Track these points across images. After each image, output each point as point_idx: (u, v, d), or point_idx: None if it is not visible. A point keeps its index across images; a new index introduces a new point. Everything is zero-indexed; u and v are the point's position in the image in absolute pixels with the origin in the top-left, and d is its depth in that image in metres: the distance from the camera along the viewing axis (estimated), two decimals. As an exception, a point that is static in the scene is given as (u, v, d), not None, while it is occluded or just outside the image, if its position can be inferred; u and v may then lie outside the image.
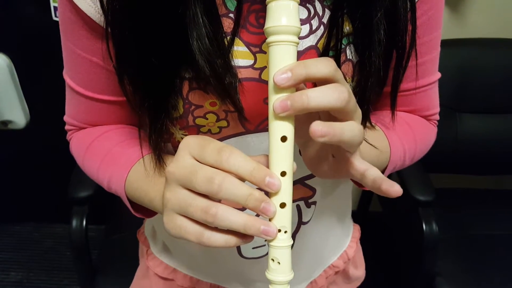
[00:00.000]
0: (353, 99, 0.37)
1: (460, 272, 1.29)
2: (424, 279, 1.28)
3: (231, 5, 0.46)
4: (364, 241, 0.86)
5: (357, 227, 0.83)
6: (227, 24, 0.46)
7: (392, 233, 1.69)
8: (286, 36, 0.37)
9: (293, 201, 0.59)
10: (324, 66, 0.36)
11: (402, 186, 1.21)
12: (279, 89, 0.37)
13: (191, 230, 0.39)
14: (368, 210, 1.89)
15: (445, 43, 1.41)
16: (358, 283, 0.85)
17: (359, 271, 0.83)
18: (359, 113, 0.39)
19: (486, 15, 1.55)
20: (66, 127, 0.64)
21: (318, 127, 0.34)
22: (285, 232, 0.39)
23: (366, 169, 0.41)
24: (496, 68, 1.44)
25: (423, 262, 1.24)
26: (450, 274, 1.28)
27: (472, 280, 1.26)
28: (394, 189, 0.39)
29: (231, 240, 0.39)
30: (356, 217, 0.83)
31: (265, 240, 0.40)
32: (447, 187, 1.62)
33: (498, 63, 1.44)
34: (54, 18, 1.40)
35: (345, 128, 0.36)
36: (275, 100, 0.36)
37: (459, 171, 1.63)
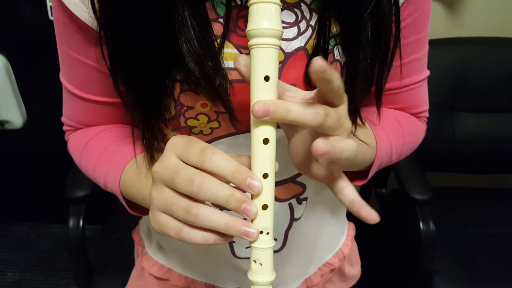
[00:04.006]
0: (332, 120, 0.38)
1: (457, 271, 1.29)
2: (421, 278, 1.28)
3: (221, 11, 0.47)
4: (361, 240, 0.86)
5: (352, 225, 0.83)
6: (217, 28, 0.46)
7: (389, 232, 1.69)
8: (268, 39, 0.37)
9: (286, 199, 0.60)
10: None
11: (399, 185, 1.20)
12: (261, 91, 0.37)
13: (172, 226, 0.40)
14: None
15: (442, 42, 1.44)
16: (354, 281, 0.85)
17: (355, 269, 0.83)
18: (345, 127, 0.39)
19: (483, 14, 1.55)
20: (64, 127, 0.65)
21: (321, 145, 0.36)
22: (267, 233, 0.40)
23: (344, 187, 0.43)
24: (494, 67, 1.44)
25: (420, 260, 1.24)
26: (447, 272, 1.28)
27: (469, 278, 1.27)
28: (373, 216, 0.41)
29: (210, 237, 0.39)
30: (354, 216, 0.83)
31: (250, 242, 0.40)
32: (445, 186, 1.62)
33: (495, 62, 1.44)
34: (51, 18, 1.40)
35: (344, 147, 0.38)
36: (256, 102, 0.37)
37: (457, 170, 1.63)
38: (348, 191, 0.42)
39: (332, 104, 0.39)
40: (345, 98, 0.40)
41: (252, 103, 0.38)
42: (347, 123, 0.40)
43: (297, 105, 0.37)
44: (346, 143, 0.38)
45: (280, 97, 0.41)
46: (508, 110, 1.49)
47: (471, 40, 1.49)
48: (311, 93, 0.41)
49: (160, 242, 0.73)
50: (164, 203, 0.40)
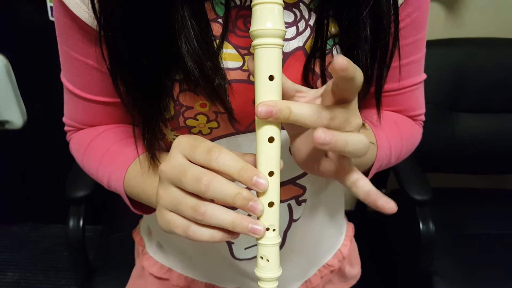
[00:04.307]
0: (338, 121, 0.38)
1: (456, 271, 1.29)
2: (420, 278, 1.28)
3: (220, 11, 0.47)
4: (361, 240, 0.87)
5: (351, 225, 0.83)
6: (216, 29, 0.47)
7: (389, 233, 1.70)
8: (271, 39, 0.37)
9: (285, 200, 0.60)
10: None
11: (399, 186, 1.20)
12: (265, 91, 0.38)
13: (179, 224, 0.40)
14: (366, 209, 1.89)
15: (442, 43, 1.44)
16: (354, 282, 0.85)
17: (354, 269, 0.83)
18: (354, 124, 0.39)
19: (482, 15, 1.55)
20: (65, 128, 0.65)
21: (321, 135, 0.35)
22: (273, 230, 0.40)
23: (358, 179, 0.42)
24: (493, 67, 1.44)
25: (420, 261, 1.24)
26: (447, 273, 1.28)
27: (469, 279, 1.27)
28: (390, 205, 0.40)
29: (217, 235, 0.40)
30: (354, 216, 0.83)
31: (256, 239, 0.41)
32: (444, 186, 1.62)
33: (494, 63, 1.45)
34: (51, 18, 1.40)
35: (349, 139, 0.37)
36: (259, 104, 0.37)
37: (456, 171, 1.63)
38: (363, 182, 0.42)
39: (346, 99, 0.38)
40: (356, 125, 0.40)
41: (256, 102, 0.38)
42: (357, 119, 0.40)
43: (300, 106, 0.37)
44: (351, 136, 0.37)
45: (291, 98, 0.42)
46: (507, 111, 1.49)
47: (471, 40, 1.50)
48: (321, 90, 0.41)
49: (160, 242, 0.73)
50: (172, 202, 0.40)
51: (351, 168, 0.43)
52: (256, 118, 0.39)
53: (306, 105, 0.38)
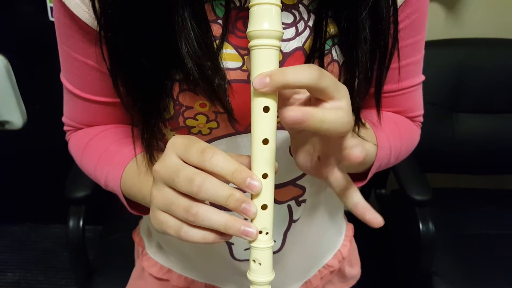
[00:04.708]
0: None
1: (456, 272, 1.29)
2: (420, 278, 1.28)
3: (220, 12, 0.47)
4: (361, 241, 0.86)
5: (351, 225, 0.83)
6: (216, 29, 0.47)
7: (389, 233, 1.69)
8: (268, 40, 0.37)
9: (285, 201, 0.61)
10: (304, 75, 0.35)
11: (399, 186, 1.20)
12: (260, 93, 0.37)
13: (171, 224, 0.40)
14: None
15: (442, 43, 1.44)
16: (354, 282, 0.85)
17: (354, 270, 0.83)
18: (348, 120, 0.39)
19: (483, 15, 1.55)
20: (65, 127, 0.65)
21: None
22: (267, 233, 0.40)
23: (348, 188, 0.42)
24: (493, 68, 1.44)
25: (419, 261, 1.24)
26: (447, 273, 1.28)
27: (469, 279, 1.27)
28: (378, 221, 0.41)
29: (209, 236, 0.40)
30: (354, 216, 0.83)
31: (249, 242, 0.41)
32: (444, 186, 1.62)
33: (494, 63, 1.45)
34: (51, 19, 1.40)
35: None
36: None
37: (456, 171, 1.63)
38: (352, 192, 0.42)
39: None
40: (344, 92, 0.39)
41: (252, 103, 0.38)
42: (349, 115, 0.39)
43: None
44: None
45: (288, 98, 0.42)
46: (507, 111, 1.49)
47: (471, 41, 1.50)
48: None
49: (160, 242, 0.73)
50: (164, 202, 0.40)
51: (343, 176, 0.43)
52: (251, 119, 0.39)
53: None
